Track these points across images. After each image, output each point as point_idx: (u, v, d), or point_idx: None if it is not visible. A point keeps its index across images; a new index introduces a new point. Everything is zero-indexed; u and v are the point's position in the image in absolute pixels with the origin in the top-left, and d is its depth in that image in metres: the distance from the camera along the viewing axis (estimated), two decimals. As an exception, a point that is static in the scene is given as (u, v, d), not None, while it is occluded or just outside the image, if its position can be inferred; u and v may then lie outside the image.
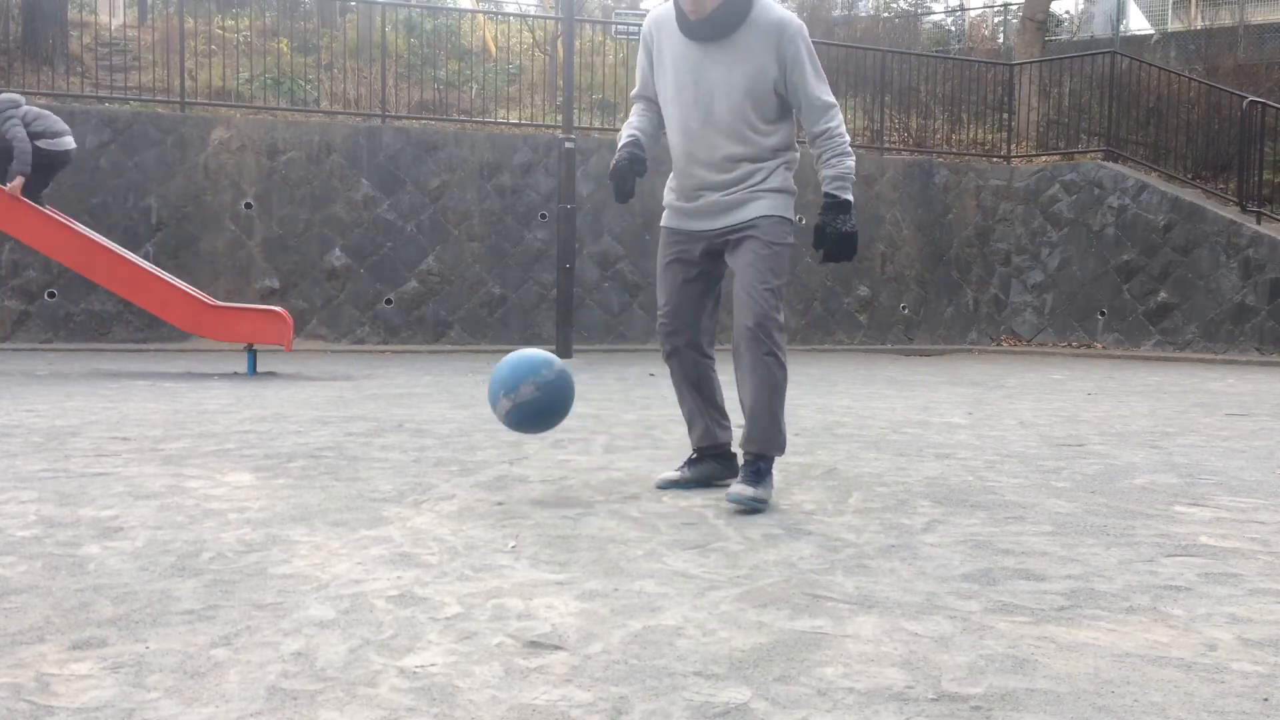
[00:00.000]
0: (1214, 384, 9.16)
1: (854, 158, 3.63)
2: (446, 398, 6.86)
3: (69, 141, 8.65)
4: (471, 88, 14.43)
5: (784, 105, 3.64)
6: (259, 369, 8.65)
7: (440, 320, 12.36)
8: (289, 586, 2.45)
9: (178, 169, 11.57)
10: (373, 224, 12.14)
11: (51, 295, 11.14)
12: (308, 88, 13.27)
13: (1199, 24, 23.98)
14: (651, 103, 3.81)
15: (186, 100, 12.04)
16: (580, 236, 12.39)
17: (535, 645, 2.06)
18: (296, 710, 1.74)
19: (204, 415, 5.68)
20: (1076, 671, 1.97)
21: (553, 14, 17.22)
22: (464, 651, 2.02)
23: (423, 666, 1.94)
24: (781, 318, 3.58)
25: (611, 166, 3.69)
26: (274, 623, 2.18)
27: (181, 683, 1.84)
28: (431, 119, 13.17)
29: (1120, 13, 23.12)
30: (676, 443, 4.86)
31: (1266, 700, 1.85)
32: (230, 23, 15.16)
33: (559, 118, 12.35)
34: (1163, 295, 13.47)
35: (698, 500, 3.58)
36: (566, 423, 5.62)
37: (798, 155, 3.75)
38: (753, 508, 3.40)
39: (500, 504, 3.45)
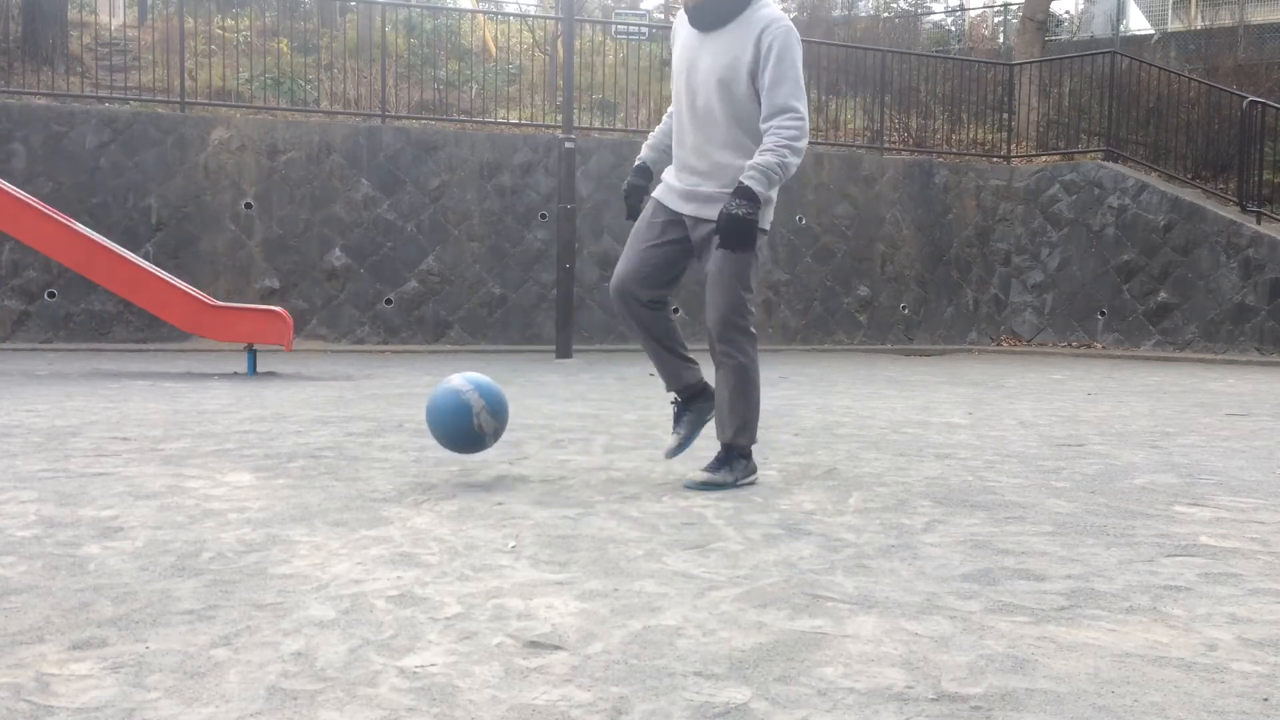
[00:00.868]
0: (1214, 384, 9.16)
1: (785, 160, 3.63)
2: (446, 398, 6.85)
3: None
4: (471, 88, 14.44)
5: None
6: (259, 369, 8.65)
7: (440, 320, 12.36)
8: (289, 586, 2.45)
9: (178, 169, 11.57)
10: (373, 224, 12.14)
11: (51, 295, 11.14)
12: (308, 88, 13.27)
13: (1199, 24, 23.99)
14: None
15: (186, 100, 12.04)
16: (580, 236, 12.40)
17: (535, 645, 2.06)
18: (296, 710, 1.74)
19: (204, 415, 5.68)
20: (1076, 671, 1.97)
21: (553, 14, 17.22)
22: (464, 651, 2.02)
23: (423, 666, 1.94)
24: (748, 321, 3.78)
25: (623, 188, 4.09)
26: (274, 623, 2.18)
27: (181, 683, 1.84)
28: (431, 119, 13.18)
29: (1120, 13, 23.12)
30: (676, 443, 4.86)
31: (1266, 700, 1.85)
32: (230, 23, 15.16)
33: (559, 118, 12.35)
34: (1163, 295, 13.47)
35: (698, 500, 3.58)
36: (567, 423, 5.62)
37: None
38: (706, 489, 3.72)
39: (500, 504, 3.45)
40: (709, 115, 3.75)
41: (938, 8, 26.42)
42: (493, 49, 16.30)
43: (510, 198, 12.65)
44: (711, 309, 3.77)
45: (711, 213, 3.76)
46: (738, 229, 3.61)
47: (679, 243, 3.89)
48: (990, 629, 2.22)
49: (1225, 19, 23.39)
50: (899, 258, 14.56)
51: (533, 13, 20.04)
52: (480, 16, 17.80)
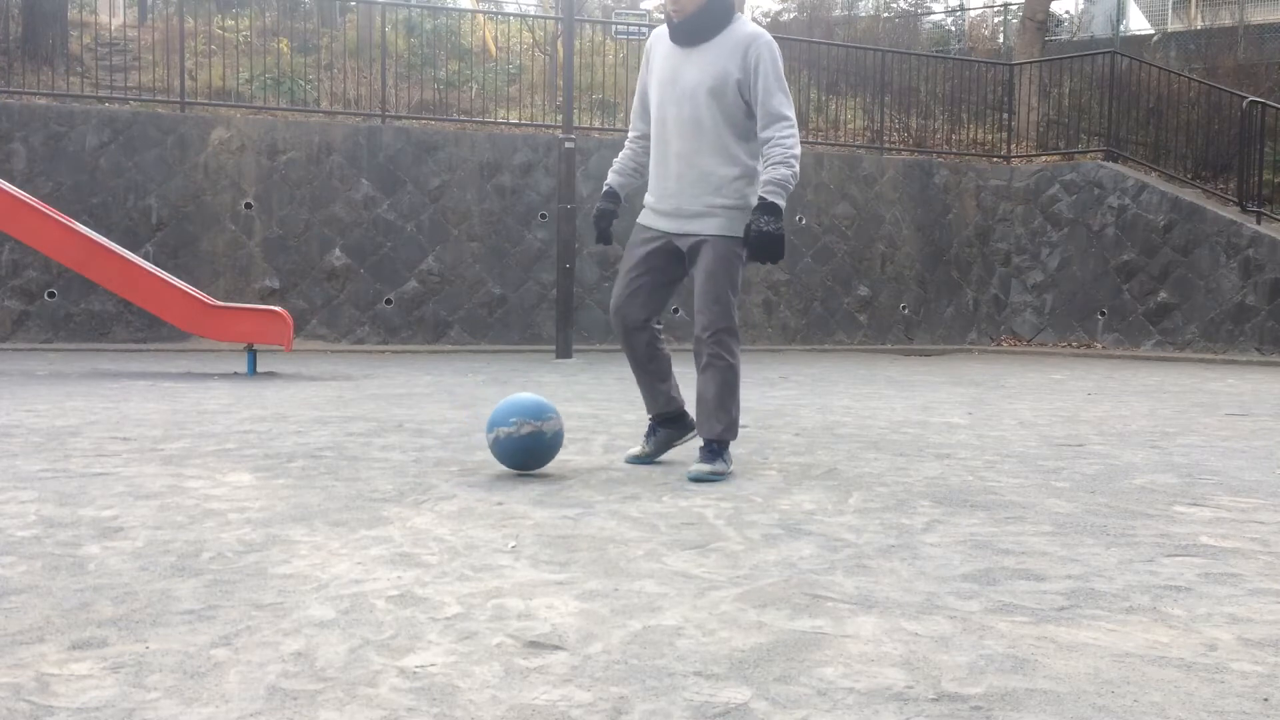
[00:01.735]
0: (1214, 384, 9.16)
1: (795, 170, 3.90)
2: (446, 398, 6.86)
3: None
4: (471, 88, 14.43)
5: (752, 118, 3.96)
6: (259, 369, 8.65)
7: (440, 320, 12.36)
8: (289, 586, 2.45)
9: (178, 169, 11.57)
10: (373, 224, 12.14)
11: (51, 295, 11.14)
12: (308, 88, 13.27)
13: (1199, 24, 23.98)
14: (642, 134, 4.20)
15: (186, 100, 12.04)
16: (580, 236, 12.39)
17: (535, 645, 2.06)
18: (296, 710, 1.74)
19: (204, 415, 5.68)
20: (1076, 671, 1.97)
21: (553, 14, 17.22)
22: (464, 651, 2.02)
23: (423, 666, 1.94)
24: (735, 323, 3.99)
25: (593, 216, 4.23)
26: (274, 623, 2.18)
27: (181, 683, 1.84)
28: (431, 119, 13.18)
29: (1120, 13, 23.11)
30: (676, 443, 4.86)
31: (1266, 700, 1.85)
32: (230, 23, 15.16)
33: (559, 118, 12.35)
34: (1163, 295, 13.47)
35: (698, 500, 3.58)
36: (567, 423, 5.62)
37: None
38: (711, 479, 3.90)
39: (500, 504, 3.45)
40: (697, 124, 3.92)
41: (938, 8, 26.40)
42: (493, 49, 16.29)
43: (510, 198, 12.65)
44: (703, 313, 3.95)
45: (698, 226, 3.97)
46: (769, 244, 3.83)
47: (668, 266, 4.09)
48: (990, 629, 2.22)
49: (1225, 19, 23.38)
50: (899, 258, 14.56)
51: (533, 13, 20.04)
52: (480, 16, 17.79)
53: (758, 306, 13.71)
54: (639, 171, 4.25)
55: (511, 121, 13.40)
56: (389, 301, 12.19)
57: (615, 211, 4.23)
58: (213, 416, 5.64)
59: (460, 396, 6.95)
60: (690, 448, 4.42)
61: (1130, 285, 13.79)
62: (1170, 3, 27.27)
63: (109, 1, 16.00)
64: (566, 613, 2.28)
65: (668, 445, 4.32)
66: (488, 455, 4.45)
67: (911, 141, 15.58)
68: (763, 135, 3.92)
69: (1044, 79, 16.24)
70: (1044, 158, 15.38)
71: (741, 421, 5.77)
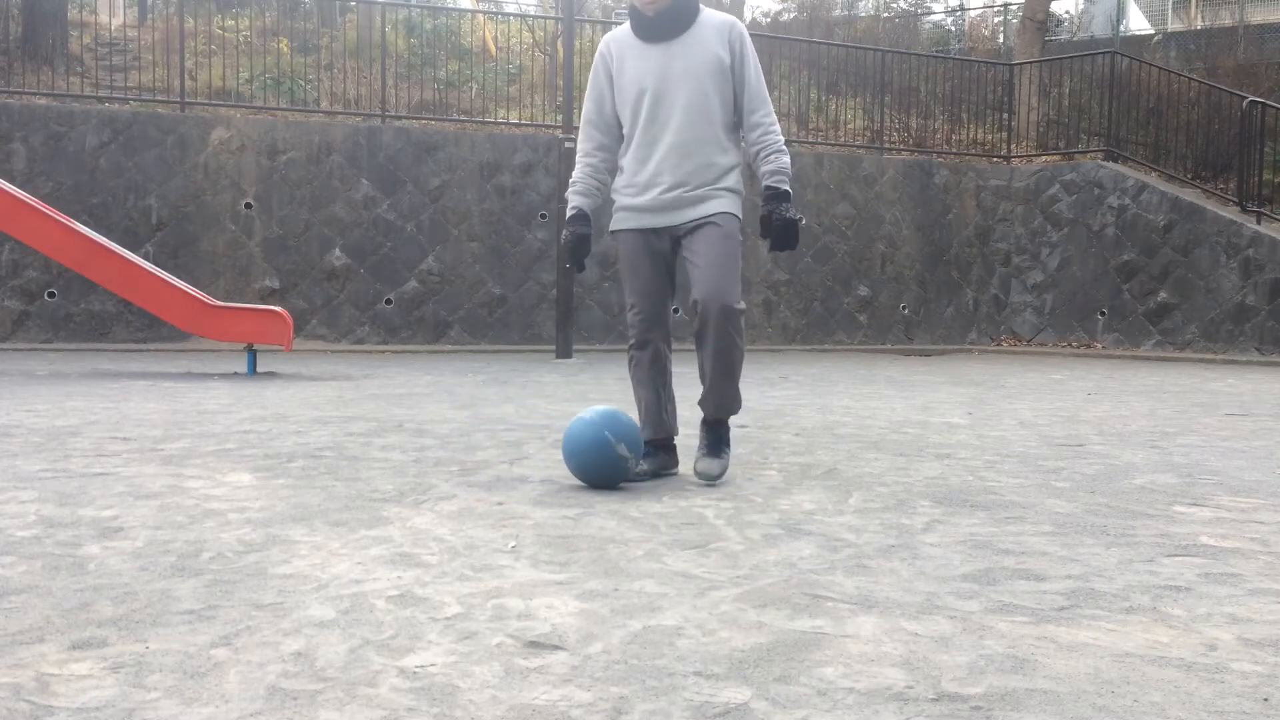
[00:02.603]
0: (1214, 384, 9.16)
1: (789, 156, 3.90)
2: (446, 398, 6.86)
3: None
4: (471, 88, 14.43)
5: (737, 107, 3.95)
6: (259, 369, 8.65)
7: (440, 320, 12.36)
8: (289, 586, 2.45)
9: (178, 169, 11.57)
10: (373, 224, 12.14)
11: (51, 295, 11.14)
12: (308, 88, 13.27)
13: (1199, 24, 23.98)
14: (601, 145, 4.01)
15: (186, 100, 12.04)
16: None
17: (535, 645, 2.06)
18: (296, 710, 1.74)
19: (204, 415, 5.68)
20: (1076, 671, 1.97)
21: (553, 14, 17.22)
22: (464, 651, 2.02)
23: (423, 666, 1.94)
24: (742, 304, 3.87)
25: (563, 243, 4.06)
26: (274, 623, 2.18)
27: (181, 683, 1.84)
28: (431, 119, 13.18)
29: (1120, 13, 23.11)
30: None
31: (1266, 700, 1.85)
32: (230, 23, 15.16)
33: (559, 118, 12.35)
34: (1163, 295, 13.47)
35: (698, 500, 3.58)
36: (566, 423, 5.62)
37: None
38: (722, 475, 3.89)
39: (500, 504, 3.45)
40: (696, 114, 3.83)
41: (938, 8, 26.41)
42: (493, 49, 16.29)
43: (510, 198, 12.65)
44: (716, 294, 3.78)
45: (700, 210, 3.87)
46: (792, 231, 3.82)
47: (671, 263, 4.00)
48: (990, 629, 2.22)
49: (1225, 19, 23.38)
50: (899, 258, 14.56)
51: (533, 13, 20.04)
52: (480, 16, 17.79)
53: (758, 306, 13.71)
54: (601, 189, 4.09)
55: (511, 121, 13.40)
56: (389, 301, 12.19)
57: (590, 234, 4.09)
58: (213, 416, 5.64)
59: (460, 396, 6.95)
60: (691, 448, 4.41)
61: (1130, 285, 13.79)
62: (1170, 3, 27.27)
63: (109, 1, 16.00)
64: (566, 613, 2.28)
65: (659, 471, 4.06)
66: (488, 455, 4.45)
67: (911, 141, 15.58)
68: (750, 120, 3.88)
69: (1044, 79, 16.24)
70: (1044, 158, 15.38)
71: (741, 422, 5.77)
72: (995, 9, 24.51)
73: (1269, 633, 2.23)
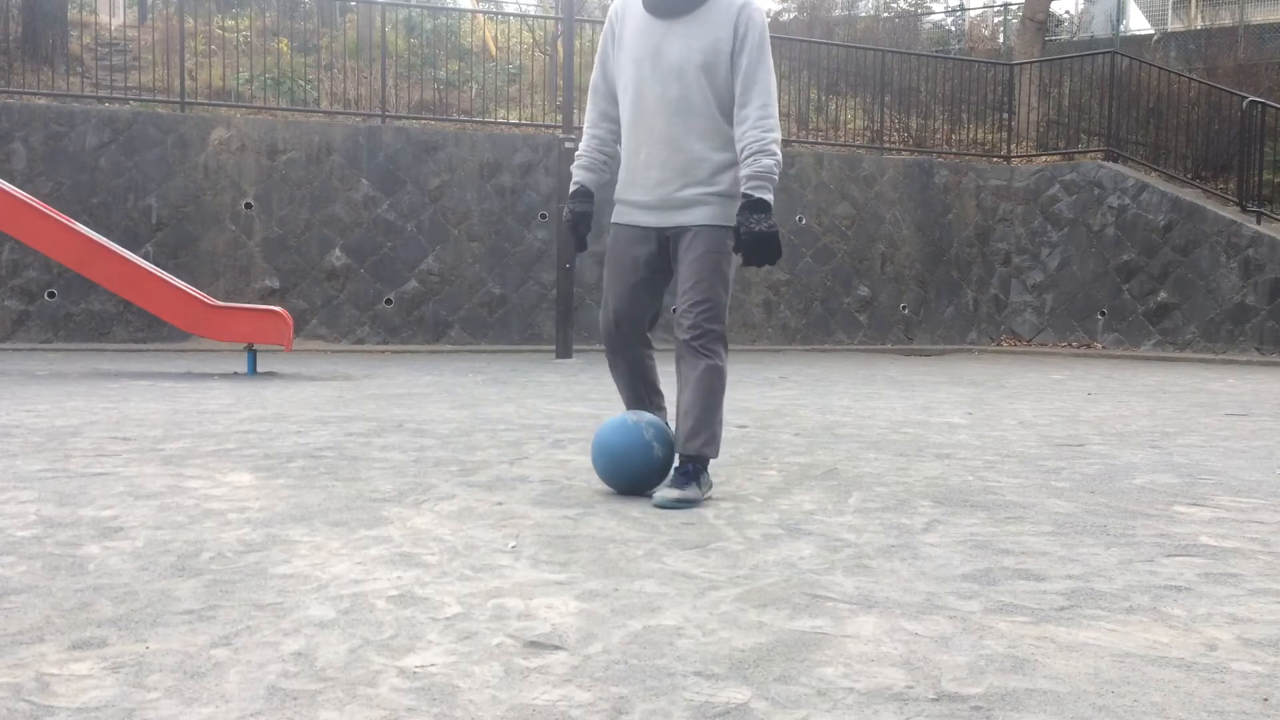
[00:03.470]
0: (1214, 384, 9.16)
1: (776, 159, 3.49)
2: (446, 398, 6.86)
3: None
4: (471, 88, 14.43)
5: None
6: (259, 369, 8.65)
7: (440, 320, 12.36)
8: (289, 586, 2.45)
9: (178, 169, 11.57)
10: (373, 224, 12.14)
11: (51, 295, 11.14)
12: (308, 88, 13.27)
13: (1199, 24, 23.98)
14: (605, 115, 3.76)
15: (186, 100, 12.04)
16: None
17: (535, 645, 2.06)
18: (296, 710, 1.74)
19: (204, 415, 5.68)
20: (1076, 671, 1.97)
21: (553, 14, 17.22)
22: (464, 651, 2.02)
23: (423, 666, 1.94)
24: (723, 326, 3.56)
25: (564, 220, 3.67)
26: (274, 623, 2.18)
27: (181, 683, 1.84)
28: (431, 119, 13.17)
29: (1120, 13, 23.11)
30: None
31: (1266, 700, 1.85)
32: (230, 23, 15.16)
33: (559, 118, 12.35)
34: (1163, 295, 13.47)
35: (698, 500, 3.58)
36: (567, 423, 5.63)
37: None
38: (678, 506, 3.41)
39: (500, 504, 3.45)
40: (686, 105, 3.53)
41: (938, 8, 26.39)
42: (493, 49, 16.29)
43: (510, 198, 12.65)
44: (688, 313, 3.53)
45: (685, 217, 3.58)
46: (764, 245, 3.43)
47: (664, 265, 3.70)
48: (990, 629, 2.22)
49: (1225, 19, 23.38)
50: (899, 258, 14.55)
51: (533, 13, 20.03)
52: (480, 16, 17.79)
53: (758, 306, 13.71)
54: (609, 163, 3.78)
55: (511, 121, 13.40)
56: (389, 301, 12.19)
57: (591, 212, 3.78)
58: (213, 416, 5.64)
59: (460, 396, 6.95)
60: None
61: (1130, 285, 13.79)
62: (1170, 3, 27.26)
63: (109, 1, 16.00)
64: (566, 613, 2.28)
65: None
66: (487, 455, 4.45)
67: (911, 141, 15.58)
68: (739, 113, 3.51)
69: (1044, 79, 16.24)
70: (1044, 158, 15.38)
71: (741, 422, 5.77)
72: (995, 9, 24.51)
73: (1269, 633, 2.23)
